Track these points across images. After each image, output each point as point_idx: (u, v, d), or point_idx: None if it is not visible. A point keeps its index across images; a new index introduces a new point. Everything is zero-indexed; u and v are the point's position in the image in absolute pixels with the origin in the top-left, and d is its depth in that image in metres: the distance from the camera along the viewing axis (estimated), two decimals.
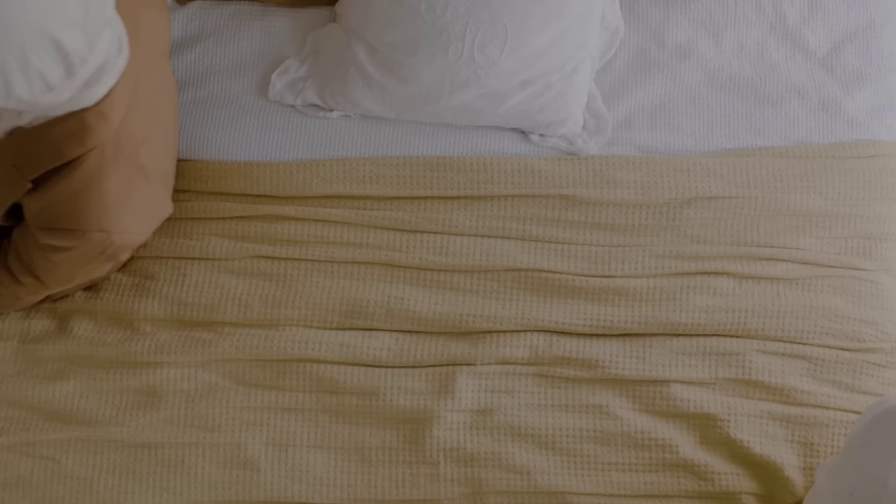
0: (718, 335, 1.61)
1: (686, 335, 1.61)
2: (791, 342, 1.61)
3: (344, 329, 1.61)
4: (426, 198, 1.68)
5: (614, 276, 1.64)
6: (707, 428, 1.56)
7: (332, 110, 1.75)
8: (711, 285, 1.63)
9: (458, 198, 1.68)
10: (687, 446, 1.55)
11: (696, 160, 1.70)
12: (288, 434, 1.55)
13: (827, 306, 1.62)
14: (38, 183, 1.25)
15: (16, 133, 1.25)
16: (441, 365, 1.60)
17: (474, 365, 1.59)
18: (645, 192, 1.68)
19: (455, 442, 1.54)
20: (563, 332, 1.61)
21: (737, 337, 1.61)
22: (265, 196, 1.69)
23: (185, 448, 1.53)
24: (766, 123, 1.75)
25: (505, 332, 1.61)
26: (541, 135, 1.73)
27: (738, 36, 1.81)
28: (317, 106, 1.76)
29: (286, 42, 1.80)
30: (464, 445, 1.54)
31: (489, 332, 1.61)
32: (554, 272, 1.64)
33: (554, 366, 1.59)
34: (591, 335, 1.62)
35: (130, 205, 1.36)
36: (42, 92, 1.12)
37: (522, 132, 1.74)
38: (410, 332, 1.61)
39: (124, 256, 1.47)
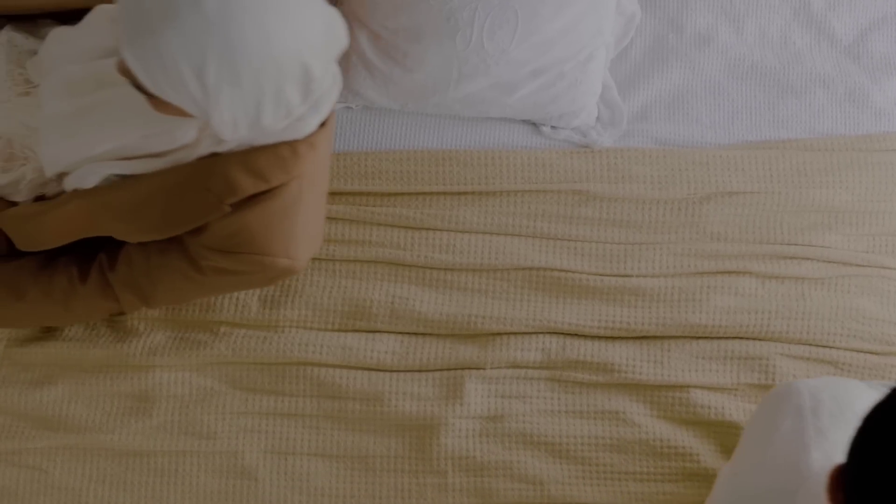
0: (740, 338, 1.58)
1: (706, 338, 1.59)
2: (817, 345, 1.58)
3: (346, 331, 1.59)
4: (432, 193, 1.66)
5: (630, 276, 1.61)
6: (729, 436, 1.53)
7: None
8: (733, 285, 1.60)
9: (466, 193, 1.66)
10: (708, 455, 1.52)
11: (715, 153, 1.68)
12: (287, 441, 1.52)
13: (854, 307, 1.60)
14: (233, 207, 1.29)
15: (209, 157, 1.28)
16: (448, 369, 1.57)
17: (483, 369, 1.57)
18: (662, 186, 1.65)
19: (463, 450, 1.52)
20: (576, 335, 1.59)
21: (760, 340, 1.58)
22: None
23: (178, 456, 1.51)
24: (789, 115, 1.73)
25: (516, 334, 1.58)
26: (553, 127, 1.71)
27: (760, 23, 1.79)
28: None
29: None
30: (473, 454, 1.52)
31: (499, 334, 1.58)
32: (567, 271, 1.61)
33: (567, 370, 1.57)
34: (607, 338, 1.59)
35: (312, 232, 1.40)
36: (282, 120, 1.15)
37: (533, 124, 1.72)
38: (416, 334, 1.59)
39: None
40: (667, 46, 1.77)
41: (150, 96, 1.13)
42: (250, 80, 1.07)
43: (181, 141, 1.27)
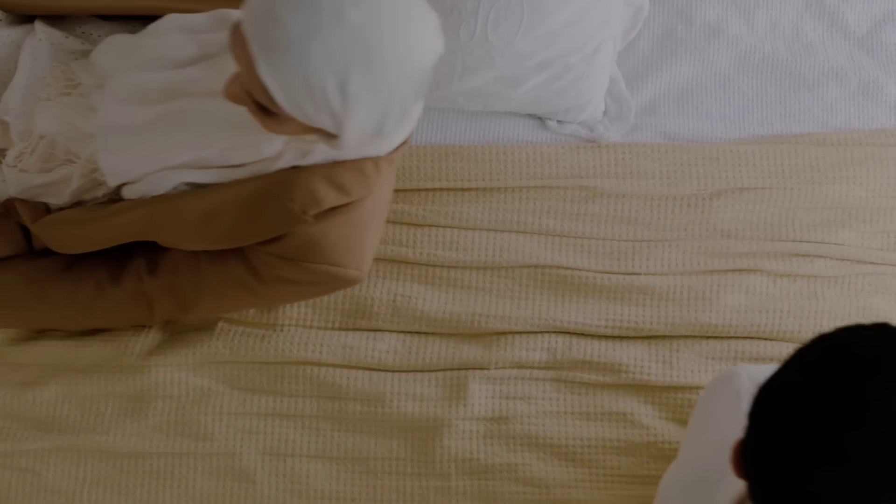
0: (751, 338, 1.57)
1: (716, 338, 1.57)
2: None
3: (347, 329, 1.57)
4: (435, 189, 1.64)
5: (638, 274, 1.59)
6: None
7: None
8: (744, 284, 1.58)
9: (470, 189, 1.64)
10: None
11: (726, 148, 1.65)
12: (286, 443, 1.50)
13: (869, 307, 1.58)
14: (314, 219, 1.33)
15: (290, 169, 1.31)
16: (451, 369, 1.56)
17: (488, 369, 1.55)
18: (671, 182, 1.63)
19: (467, 452, 1.50)
20: (583, 334, 1.57)
21: (771, 340, 1.57)
22: None
23: (175, 458, 1.49)
24: (801, 108, 1.71)
25: (520, 333, 1.57)
26: (559, 121, 1.69)
27: (771, 14, 1.77)
28: None
29: None
30: (476, 456, 1.50)
31: (503, 333, 1.57)
32: (573, 269, 1.59)
33: (573, 370, 1.55)
34: (614, 337, 1.58)
35: (376, 244, 1.44)
36: (397, 126, 1.18)
37: (539, 118, 1.70)
38: (418, 333, 1.57)
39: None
40: (676, 38, 1.75)
41: (267, 114, 1.13)
42: (387, 88, 1.09)
43: (264, 154, 1.29)
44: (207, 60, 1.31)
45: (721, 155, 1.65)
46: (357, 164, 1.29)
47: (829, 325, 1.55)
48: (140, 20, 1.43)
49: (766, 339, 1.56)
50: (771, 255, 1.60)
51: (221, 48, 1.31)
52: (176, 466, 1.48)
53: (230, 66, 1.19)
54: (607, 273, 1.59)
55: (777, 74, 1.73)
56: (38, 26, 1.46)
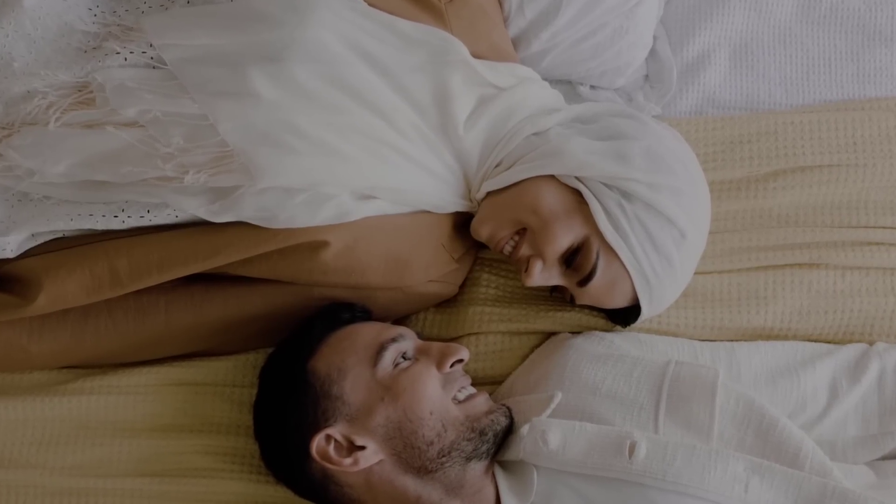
0: (814, 342, 1.44)
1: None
2: None
3: None
4: None
5: None
6: None
7: None
8: (805, 280, 1.45)
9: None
10: None
11: (785, 119, 1.54)
12: (268, 474, 1.34)
13: None
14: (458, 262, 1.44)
15: (450, 217, 1.39)
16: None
17: None
18: (719, 162, 1.52)
19: None
20: None
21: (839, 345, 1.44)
22: None
23: (126, 497, 1.36)
24: (877, 67, 1.60)
25: (544, 333, 1.45)
26: (592, 87, 1.58)
27: None
28: None
29: None
30: None
31: (523, 334, 1.45)
32: None
33: None
34: None
35: None
36: None
37: (569, 83, 1.58)
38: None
39: None
40: None
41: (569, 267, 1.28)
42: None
43: (437, 206, 1.35)
44: (385, 76, 1.27)
45: (780, 128, 1.53)
46: None
47: None
48: None
49: (832, 344, 1.42)
50: (838, 244, 1.47)
51: (396, 67, 1.28)
52: None
53: (416, 92, 1.26)
54: None
55: (848, 26, 1.63)
56: None
